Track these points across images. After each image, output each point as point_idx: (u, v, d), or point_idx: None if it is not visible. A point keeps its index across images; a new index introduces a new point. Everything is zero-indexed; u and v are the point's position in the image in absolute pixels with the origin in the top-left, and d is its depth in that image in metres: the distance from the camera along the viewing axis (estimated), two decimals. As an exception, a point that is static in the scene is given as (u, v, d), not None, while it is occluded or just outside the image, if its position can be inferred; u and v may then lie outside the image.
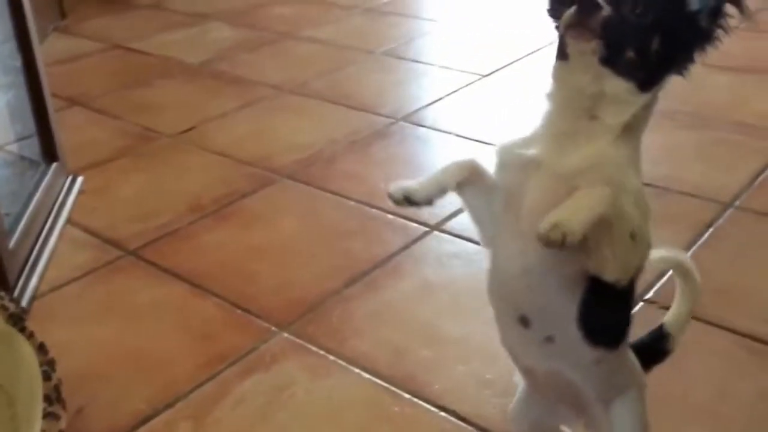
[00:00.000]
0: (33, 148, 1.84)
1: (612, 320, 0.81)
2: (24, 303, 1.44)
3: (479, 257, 1.44)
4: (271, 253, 1.64)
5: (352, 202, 1.81)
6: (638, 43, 0.71)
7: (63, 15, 3.24)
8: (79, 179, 1.91)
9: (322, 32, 3.02)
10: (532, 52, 2.64)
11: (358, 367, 1.31)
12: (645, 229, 0.73)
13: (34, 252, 1.59)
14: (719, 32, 0.72)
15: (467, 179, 0.79)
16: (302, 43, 2.94)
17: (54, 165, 1.83)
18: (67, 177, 1.88)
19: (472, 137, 2.08)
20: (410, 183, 0.78)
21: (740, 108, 2.22)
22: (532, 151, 0.75)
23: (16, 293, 1.44)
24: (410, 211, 1.75)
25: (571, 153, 0.72)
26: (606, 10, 0.69)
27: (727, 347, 1.33)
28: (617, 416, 0.85)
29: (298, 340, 1.38)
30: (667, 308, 1.40)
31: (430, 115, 2.25)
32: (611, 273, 0.71)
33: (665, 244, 1.57)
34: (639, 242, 0.72)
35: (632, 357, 0.90)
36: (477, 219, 0.82)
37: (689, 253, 1.57)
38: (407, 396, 1.24)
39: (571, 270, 0.73)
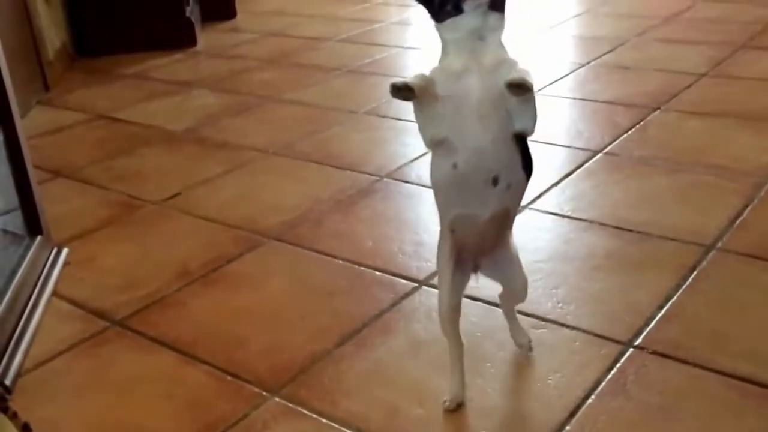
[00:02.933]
0: (16, 221, 1.83)
1: (531, 159, 1.16)
2: (8, 381, 1.41)
3: (467, 310, 1.45)
4: (260, 316, 1.63)
5: (340, 261, 1.80)
6: None
7: (47, 88, 3.25)
8: (65, 251, 1.90)
9: (305, 95, 3.06)
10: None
11: (351, 429, 1.28)
12: None
13: (19, 328, 1.56)
14: None
15: (428, 88, 1.10)
16: (285, 105, 2.97)
17: (38, 238, 1.81)
18: (52, 249, 1.87)
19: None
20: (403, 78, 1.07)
21: (714, 151, 2.25)
22: (458, 65, 1.10)
23: (-1, 372, 1.41)
24: (398, 266, 1.76)
25: (484, 58, 1.10)
26: None
27: (718, 390, 1.32)
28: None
29: (290, 405, 1.35)
30: (654, 353, 1.41)
31: (414, 172, 2.26)
32: (530, 127, 1.11)
33: (650, 288, 1.59)
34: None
35: None
36: (425, 121, 1.12)
37: (675, 298, 1.58)
38: (403, 457, 1.22)
39: (510, 132, 1.12)
